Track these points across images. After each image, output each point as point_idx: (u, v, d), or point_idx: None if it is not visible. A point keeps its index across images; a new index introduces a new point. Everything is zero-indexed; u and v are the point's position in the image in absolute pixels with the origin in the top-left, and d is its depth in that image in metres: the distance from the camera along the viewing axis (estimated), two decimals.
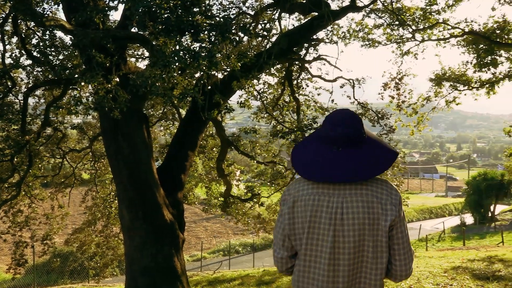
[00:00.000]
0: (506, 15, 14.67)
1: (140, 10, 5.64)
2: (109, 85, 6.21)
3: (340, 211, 2.18)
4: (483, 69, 15.73)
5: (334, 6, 12.17)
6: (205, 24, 6.00)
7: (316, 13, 9.89)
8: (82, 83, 7.52)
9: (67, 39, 11.24)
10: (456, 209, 59.40)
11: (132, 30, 7.04)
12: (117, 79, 6.86)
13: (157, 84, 5.90)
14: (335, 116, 2.32)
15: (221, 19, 6.40)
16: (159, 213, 8.10)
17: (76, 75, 7.02)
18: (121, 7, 6.69)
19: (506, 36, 14.84)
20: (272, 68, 11.90)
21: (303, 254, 2.28)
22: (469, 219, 51.11)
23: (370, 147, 2.28)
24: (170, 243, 8.16)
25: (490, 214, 52.21)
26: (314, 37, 11.71)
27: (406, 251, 2.27)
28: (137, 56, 12.60)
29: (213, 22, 6.23)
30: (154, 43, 6.00)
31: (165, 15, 5.82)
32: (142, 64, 24.61)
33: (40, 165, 12.88)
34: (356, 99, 13.62)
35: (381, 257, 2.22)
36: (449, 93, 16.91)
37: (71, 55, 9.88)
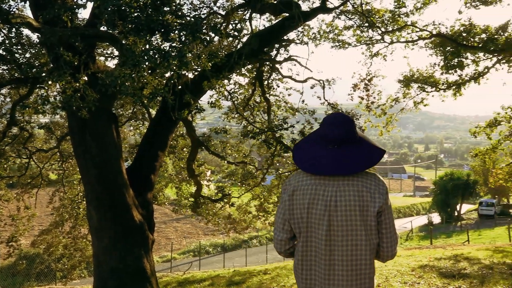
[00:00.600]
0: (472, 18, 14.98)
1: (109, 9, 5.57)
2: (77, 84, 6.11)
3: (334, 198, 2.54)
4: (450, 71, 16.02)
5: (304, 7, 12.21)
6: (175, 24, 5.95)
7: (287, 14, 9.94)
8: (50, 82, 7.37)
9: (34, 37, 11.02)
10: (424, 209, 60.48)
11: (101, 28, 6.94)
12: (86, 78, 6.76)
13: (126, 83, 5.83)
14: (331, 119, 2.69)
15: (192, 19, 6.37)
16: (128, 213, 8.01)
17: (44, 74, 6.89)
18: (89, 5, 6.59)
19: (472, 39, 15.15)
20: (243, 69, 11.90)
21: (304, 236, 2.63)
22: (436, 218, 52.11)
23: (361, 145, 2.65)
24: (139, 244, 8.07)
25: (456, 213, 53.31)
26: (285, 37, 11.75)
27: (392, 235, 2.64)
28: (107, 55, 12.45)
29: (183, 21, 6.19)
30: (123, 42, 5.93)
31: (135, 14, 5.76)
32: (112, 63, 24.34)
33: (5, 165, 12.61)
34: (326, 100, 13.71)
35: (371, 239, 2.57)
36: (417, 95, 17.18)
37: (38, 53, 9.68)
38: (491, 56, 15.86)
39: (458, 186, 50.71)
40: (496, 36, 14.89)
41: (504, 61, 15.82)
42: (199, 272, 16.29)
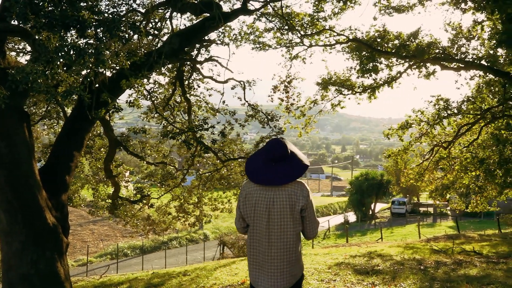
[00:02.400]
0: (386, 25, 15.64)
1: (20, 2, 5.32)
2: None
3: (272, 200, 3.76)
4: (365, 75, 16.63)
5: (226, 8, 12.26)
6: (92, 20, 5.77)
7: (208, 14, 9.92)
8: None
9: None
10: (340, 208, 62.41)
11: (12, 22, 6.61)
12: None
13: (39, 80, 5.58)
14: (272, 143, 3.91)
15: (110, 16, 6.21)
16: (40, 216, 7.67)
17: None
18: None
19: (386, 45, 15.82)
20: (163, 68, 11.76)
21: (252, 226, 3.89)
22: (352, 217, 53.92)
23: (292, 162, 3.86)
24: (52, 247, 7.76)
25: (370, 212, 55.47)
26: (206, 38, 11.73)
27: (312, 222, 3.91)
28: (18, 51, 11.85)
29: (101, 18, 6.02)
30: (36, 37, 5.68)
31: (49, 8, 5.54)
32: (24, 59, 23.21)
33: None
34: (247, 101, 13.83)
35: (296, 226, 3.81)
36: (335, 97, 17.70)
37: None
38: (403, 61, 16.62)
39: (373, 185, 52.86)
40: (408, 43, 15.63)
41: (415, 66, 16.64)
42: (117, 275, 15.89)
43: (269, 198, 3.76)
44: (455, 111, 17.19)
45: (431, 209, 58.13)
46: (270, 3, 12.54)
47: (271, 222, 3.74)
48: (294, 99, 15.32)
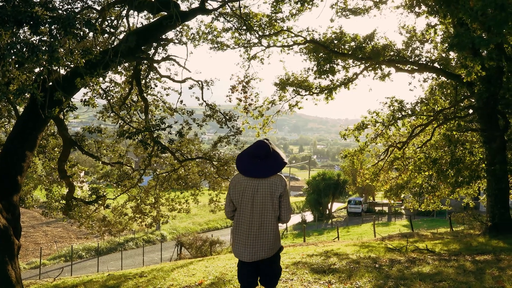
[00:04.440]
0: (343, 27, 15.88)
1: None
2: None
3: (256, 188, 4.67)
4: (323, 76, 16.85)
5: (183, 7, 12.17)
6: (46, 17, 5.64)
7: (165, 13, 9.84)
8: None
9: None
10: (298, 208, 62.86)
11: None
12: None
13: None
14: (258, 144, 4.81)
15: (64, 12, 6.07)
16: None
17: None
18: None
19: (342, 46, 16.07)
20: (119, 66, 11.59)
21: (238, 209, 4.78)
22: (309, 216, 54.45)
23: (273, 159, 4.77)
24: (3, 250, 7.52)
25: (327, 212, 56.16)
26: (164, 37, 11.63)
27: (287, 208, 4.77)
28: None
29: (55, 15, 5.88)
30: None
31: (0, 4, 5.38)
32: None
33: None
34: (205, 101, 13.78)
35: (275, 210, 4.69)
36: (292, 98, 17.86)
37: None
38: (359, 63, 16.93)
39: (330, 185, 53.54)
40: (364, 45, 15.93)
41: (370, 68, 16.96)
42: (71, 278, 15.55)
43: (253, 187, 4.66)
44: (409, 112, 17.61)
45: (386, 208, 59.33)
46: (228, 3, 12.53)
47: (254, 205, 4.64)
48: (252, 99, 15.37)
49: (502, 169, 14.99)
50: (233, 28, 14.42)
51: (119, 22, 11.25)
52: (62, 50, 6.15)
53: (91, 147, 13.13)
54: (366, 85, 19.69)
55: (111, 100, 12.79)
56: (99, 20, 10.21)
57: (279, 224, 5.21)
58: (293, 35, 16.00)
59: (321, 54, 16.41)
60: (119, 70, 12.55)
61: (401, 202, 46.42)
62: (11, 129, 11.58)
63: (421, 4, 14.36)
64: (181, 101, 13.70)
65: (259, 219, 4.65)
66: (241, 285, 4.93)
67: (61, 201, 14.14)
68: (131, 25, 10.74)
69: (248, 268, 4.80)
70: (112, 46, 9.98)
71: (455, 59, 16.03)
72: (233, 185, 4.83)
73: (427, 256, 9.91)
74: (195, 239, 25.71)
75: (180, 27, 12.63)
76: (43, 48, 5.39)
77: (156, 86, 13.80)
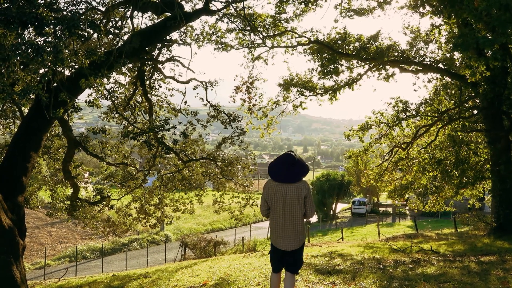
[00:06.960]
0: (347, 27, 15.86)
1: None
2: None
3: (285, 192, 5.65)
4: (327, 77, 16.85)
5: (187, 8, 12.19)
6: (50, 18, 5.65)
7: (170, 14, 9.85)
8: None
9: None
10: None
11: None
12: None
13: None
14: (287, 154, 5.79)
15: (69, 14, 6.09)
16: None
17: None
18: None
19: (347, 47, 16.06)
20: (123, 67, 11.60)
21: (272, 209, 5.78)
22: (313, 217, 54.36)
23: (299, 166, 5.75)
24: (7, 251, 7.55)
25: (332, 212, 56.10)
26: (168, 37, 11.64)
27: (311, 207, 5.78)
28: None
29: (59, 16, 5.90)
30: None
31: (5, 5, 5.40)
32: None
33: None
34: (209, 102, 13.79)
35: (301, 209, 5.71)
36: (296, 98, 17.86)
37: None
38: (363, 63, 16.91)
39: (334, 186, 53.49)
40: (368, 45, 15.91)
41: (375, 69, 16.95)
42: (75, 278, 15.59)
43: (283, 190, 5.67)
44: (414, 113, 17.58)
45: (390, 209, 59.25)
46: (232, 4, 12.54)
47: (285, 205, 5.66)
48: (256, 100, 15.37)
49: (507, 170, 14.95)
50: (237, 28, 14.43)
51: (124, 23, 11.27)
52: (67, 51, 6.16)
53: (95, 147, 13.16)
54: (370, 85, 19.87)
55: (116, 101, 12.80)
56: (104, 21, 10.23)
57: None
58: (297, 35, 15.99)
59: (325, 54, 16.41)
60: (123, 71, 12.57)
61: (405, 202, 46.35)
62: (16, 129, 11.60)
63: (426, 4, 14.35)
64: (185, 102, 13.70)
65: (290, 216, 5.70)
66: (272, 268, 6.07)
67: (65, 202, 14.17)
68: (135, 26, 10.74)
69: (279, 254, 5.88)
70: (117, 47, 9.99)
71: (460, 60, 15.99)
72: (267, 189, 5.85)
73: (432, 257, 9.88)
74: (199, 240, 25.71)
75: (184, 28, 12.65)
76: (48, 49, 5.40)
77: (160, 87, 13.83)
